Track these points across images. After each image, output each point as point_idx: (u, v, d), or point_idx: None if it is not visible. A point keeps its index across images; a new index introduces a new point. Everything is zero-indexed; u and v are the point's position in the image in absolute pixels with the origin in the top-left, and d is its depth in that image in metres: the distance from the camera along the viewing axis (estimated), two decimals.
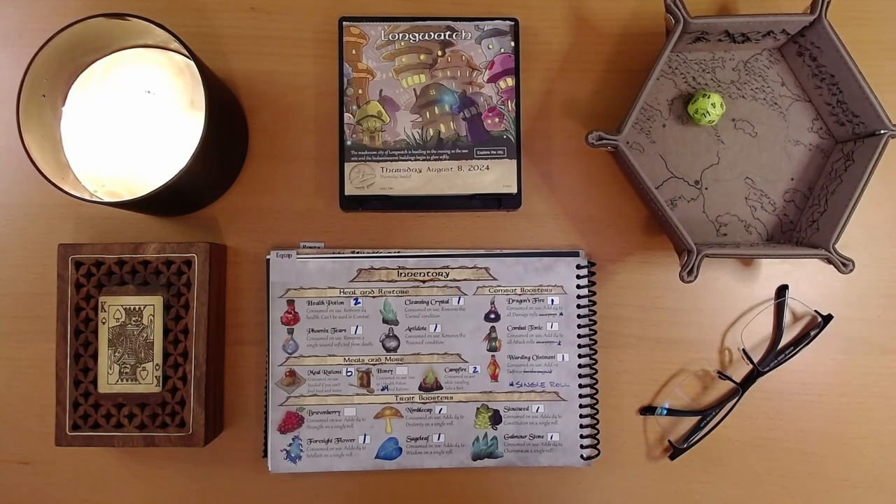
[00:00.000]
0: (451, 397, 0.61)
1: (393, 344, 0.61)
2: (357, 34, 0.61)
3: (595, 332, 0.62)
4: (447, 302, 0.61)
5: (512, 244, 0.63)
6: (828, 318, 0.62)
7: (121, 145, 0.57)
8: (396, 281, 0.61)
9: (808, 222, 0.61)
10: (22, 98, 0.52)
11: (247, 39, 0.63)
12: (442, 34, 0.61)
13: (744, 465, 0.63)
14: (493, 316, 0.61)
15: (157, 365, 0.57)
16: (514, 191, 0.60)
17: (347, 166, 0.60)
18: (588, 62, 0.64)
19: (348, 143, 0.60)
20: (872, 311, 0.64)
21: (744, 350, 0.63)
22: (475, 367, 0.61)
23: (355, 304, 0.61)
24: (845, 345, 0.64)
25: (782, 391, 0.63)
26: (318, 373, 0.60)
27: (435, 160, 0.60)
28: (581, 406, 0.61)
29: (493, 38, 0.61)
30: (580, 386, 0.61)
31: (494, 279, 0.61)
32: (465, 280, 0.61)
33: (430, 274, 0.61)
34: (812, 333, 0.63)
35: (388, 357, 0.61)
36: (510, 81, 0.61)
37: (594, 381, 0.62)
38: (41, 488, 0.61)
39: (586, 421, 0.61)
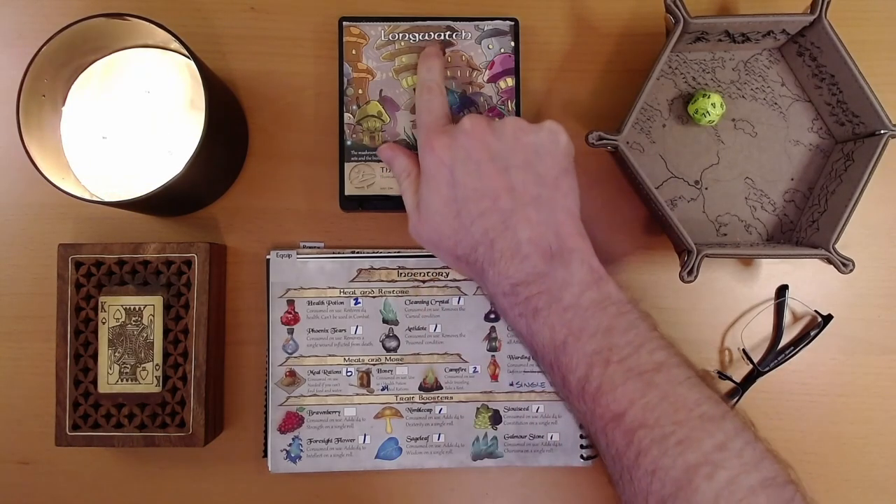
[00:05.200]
0: (451, 397, 0.61)
1: (393, 344, 0.61)
2: (357, 34, 0.61)
3: None
4: (447, 302, 0.61)
5: None
6: (828, 318, 0.62)
7: (121, 145, 0.57)
8: (396, 281, 0.61)
9: (808, 222, 0.61)
10: (22, 98, 0.52)
11: (247, 39, 0.63)
12: (442, 34, 0.61)
13: None
14: (493, 316, 0.61)
15: (157, 365, 0.57)
16: None
17: (347, 166, 0.60)
18: (588, 62, 0.64)
19: (348, 143, 0.60)
20: (872, 311, 0.64)
21: (744, 350, 0.63)
22: (475, 367, 0.61)
23: (355, 304, 0.61)
24: (845, 345, 0.63)
25: (782, 391, 0.63)
26: (318, 373, 0.60)
27: None
28: None
29: (493, 38, 0.61)
30: None
31: None
32: (465, 280, 0.61)
33: (430, 274, 0.61)
34: (812, 333, 0.63)
35: (388, 357, 0.61)
36: (510, 81, 0.61)
37: None
38: (41, 488, 0.61)
39: None
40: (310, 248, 0.62)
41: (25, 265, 0.62)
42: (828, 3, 0.57)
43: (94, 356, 0.57)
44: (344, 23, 0.61)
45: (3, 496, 0.61)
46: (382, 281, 0.61)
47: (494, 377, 0.61)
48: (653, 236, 0.64)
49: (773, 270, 0.64)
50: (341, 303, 0.61)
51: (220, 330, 0.61)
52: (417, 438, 0.60)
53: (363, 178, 0.60)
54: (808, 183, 0.62)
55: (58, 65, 0.55)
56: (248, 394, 0.62)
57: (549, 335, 0.48)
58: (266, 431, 0.60)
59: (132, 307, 0.57)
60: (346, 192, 0.60)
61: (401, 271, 0.61)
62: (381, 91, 0.60)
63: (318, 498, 0.62)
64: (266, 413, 0.60)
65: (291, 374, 0.60)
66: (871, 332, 0.64)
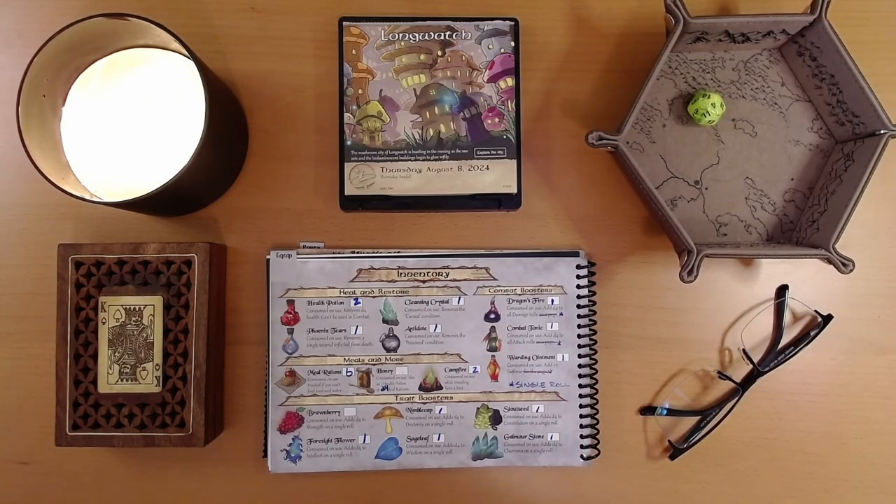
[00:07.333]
0: (451, 397, 0.61)
1: (393, 344, 0.61)
2: (357, 34, 0.61)
3: (595, 332, 0.62)
4: (447, 302, 0.61)
5: (512, 244, 0.63)
6: (828, 318, 0.62)
7: (121, 145, 0.57)
8: (396, 281, 0.61)
9: (808, 222, 0.61)
10: (22, 98, 0.52)
11: (247, 39, 0.63)
12: (442, 34, 0.61)
13: (744, 465, 0.63)
14: (493, 316, 0.61)
15: (157, 365, 0.57)
16: (514, 191, 0.60)
17: (347, 166, 0.60)
18: (588, 62, 0.64)
19: (348, 143, 0.60)
20: (872, 311, 0.64)
21: (744, 350, 0.63)
22: (475, 367, 0.61)
23: (355, 304, 0.61)
24: (845, 345, 0.64)
25: (782, 391, 0.63)
26: (318, 373, 0.60)
27: (435, 160, 0.60)
28: (581, 406, 0.61)
29: (493, 38, 0.61)
30: (580, 386, 0.61)
31: (494, 279, 0.61)
32: (465, 280, 0.61)
33: (430, 274, 0.61)
34: (812, 333, 0.63)
35: (388, 357, 0.61)
36: (510, 81, 0.61)
37: (594, 381, 0.62)
38: (41, 488, 0.61)
39: (586, 421, 0.61)
40: (310, 248, 0.62)
41: (25, 265, 0.62)
42: (828, 3, 0.57)
43: (94, 356, 0.57)
44: (344, 23, 0.61)
45: (3, 496, 0.61)
46: (382, 281, 0.61)
47: (494, 377, 0.61)
48: (653, 236, 0.64)
49: (773, 270, 0.64)
50: (341, 303, 0.61)
51: (220, 330, 0.61)
52: (417, 438, 0.60)
53: (363, 178, 0.60)
54: (808, 183, 0.62)
55: (58, 65, 0.55)
56: (248, 394, 0.62)
57: None
58: (266, 431, 0.60)
59: (132, 307, 0.57)
60: (346, 192, 0.60)
61: (401, 271, 0.61)
62: (381, 91, 0.60)
63: (318, 498, 0.62)
64: (266, 413, 0.60)
65: (291, 374, 0.60)
66: (871, 332, 0.64)
